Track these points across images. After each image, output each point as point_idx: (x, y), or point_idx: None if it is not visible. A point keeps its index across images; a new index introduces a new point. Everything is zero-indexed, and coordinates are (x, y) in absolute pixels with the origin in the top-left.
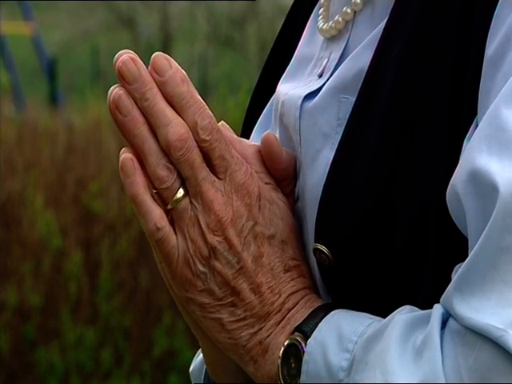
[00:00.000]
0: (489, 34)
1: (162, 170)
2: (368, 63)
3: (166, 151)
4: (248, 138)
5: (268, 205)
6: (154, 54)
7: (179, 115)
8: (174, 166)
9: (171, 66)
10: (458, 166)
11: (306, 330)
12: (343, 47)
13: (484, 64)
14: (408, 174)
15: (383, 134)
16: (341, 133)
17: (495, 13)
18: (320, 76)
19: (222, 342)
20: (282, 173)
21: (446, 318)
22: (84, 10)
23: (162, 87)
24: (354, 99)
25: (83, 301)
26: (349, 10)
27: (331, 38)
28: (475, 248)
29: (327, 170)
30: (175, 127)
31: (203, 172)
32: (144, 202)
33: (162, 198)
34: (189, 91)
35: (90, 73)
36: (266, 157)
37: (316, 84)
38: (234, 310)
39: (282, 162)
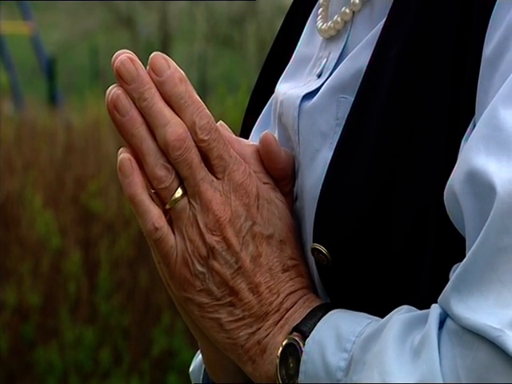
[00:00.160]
0: (486, 34)
1: (160, 169)
2: (366, 63)
3: (165, 151)
4: (247, 137)
5: (266, 204)
6: (152, 54)
7: (177, 115)
8: (173, 165)
9: (169, 66)
10: (456, 166)
11: (304, 329)
12: (342, 47)
13: (482, 64)
14: (406, 174)
15: (381, 133)
16: (339, 133)
17: (493, 13)
18: (319, 76)
19: (221, 341)
20: (281, 172)
21: (444, 318)
22: (83, 10)
23: (160, 87)
24: (353, 99)
25: (82, 300)
26: (347, 11)
27: (330, 38)
28: (473, 248)
29: (326, 170)
30: (173, 127)
31: (201, 172)
32: (142, 201)
33: (161, 197)
34: (187, 91)
35: (89, 72)
36: (265, 156)
37: (315, 84)
38: (233, 310)
39: (280, 161)
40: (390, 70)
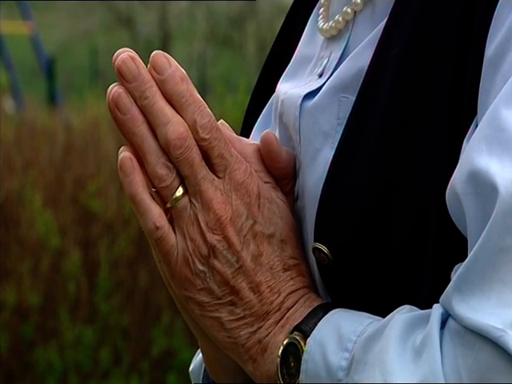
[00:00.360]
0: (489, 34)
1: (161, 168)
2: (368, 63)
3: (166, 150)
4: (247, 137)
5: (267, 204)
6: (153, 53)
7: (178, 114)
8: (174, 164)
9: (170, 65)
10: (458, 166)
11: (305, 329)
12: (343, 47)
13: (484, 64)
14: (408, 173)
15: (383, 133)
16: (341, 132)
17: (495, 13)
18: (320, 76)
19: (221, 340)
20: (282, 172)
21: (446, 317)
22: (83, 10)
23: (161, 86)
24: (354, 99)
25: (82, 300)
26: (349, 10)
27: (331, 38)
28: (475, 248)
29: (327, 170)
30: (174, 126)
31: (202, 171)
32: (143, 200)
33: (161, 196)
34: (188, 90)
35: (89, 72)
36: (266, 156)
37: (316, 83)
38: (233, 309)
39: (281, 161)
40: (392, 70)
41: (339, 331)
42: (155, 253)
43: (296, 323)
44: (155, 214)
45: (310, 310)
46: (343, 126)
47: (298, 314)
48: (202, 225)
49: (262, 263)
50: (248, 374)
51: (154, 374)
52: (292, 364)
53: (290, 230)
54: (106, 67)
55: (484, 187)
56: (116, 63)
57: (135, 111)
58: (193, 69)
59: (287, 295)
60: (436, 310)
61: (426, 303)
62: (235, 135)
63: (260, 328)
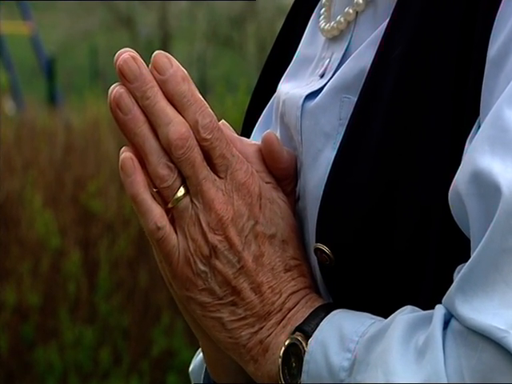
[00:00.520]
0: (491, 34)
1: (162, 168)
2: (370, 63)
3: (167, 150)
4: (248, 137)
5: (269, 204)
6: (154, 53)
7: (180, 114)
8: (175, 164)
9: (172, 65)
10: (461, 166)
11: (306, 329)
12: (345, 47)
13: (486, 64)
14: (410, 174)
15: (385, 133)
16: (342, 133)
17: (498, 13)
18: (321, 76)
19: (223, 341)
20: (283, 172)
21: (448, 318)
22: (83, 10)
23: (162, 86)
24: (356, 99)
25: (82, 300)
26: (351, 11)
27: (333, 39)
28: (478, 249)
29: (328, 170)
30: (176, 126)
31: (204, 171)
32: (144, 201)
33: (163, 196)
34: (190, 90)
35: (89, 72)
36: (267, 156)
37: (317, 84)
38: (235, 310)
39: (282, 161)
40: (394, 70)
41: (341, 332)
42: (156, 253)
43: (297, 324)
44: (156, 214)
45: (312, 310)
46: (345, 127)
47: (299, 315)
48: (204, 225)
49: (264, 264)
50: (249, 375)
51: (154, 374)
52: (293, 364)
53: (292, 231)
54: (106, 67)
55: (487, 188)
56: (117, 63)
57: (137, 111)
58: (193, 69)
59: (288, 296)
60: (438, 311)
61: (428, 304)
62: (236, 135)
63: (261, 328)
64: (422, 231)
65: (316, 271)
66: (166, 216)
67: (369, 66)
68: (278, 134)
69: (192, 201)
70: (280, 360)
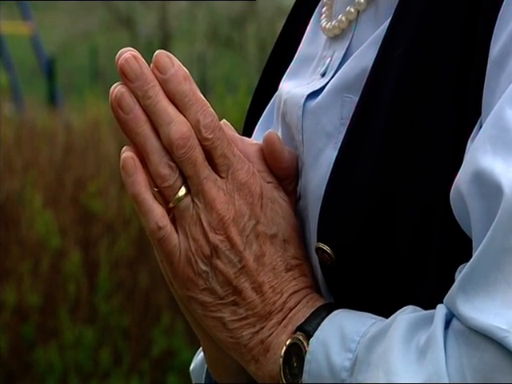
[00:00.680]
0: (493, 34)
1: (164, 168)
2: (371, 62)
3: (168, 149)
4: (249, 136)
5: (270, 204)
6: (156, 52)
7: (181, 113)
8: (176, 164)
9: (173, 64)
10: (462, 166)
11: (308, 329)
12: (346, 46)
13: (488, 64)
14: (412, 173)
15: (387, 133)
16: (344, 132)
17: (500, 13)
18: (323, 75)
19: (224, 341)
20: (284, 172)
21: (450, 318)
22: (83, 10)
23: (164, 85)
24: (358, 99)
25: (82, 301)
26: (352, 10)
27: (334, 37)
28: (479, 248)
29: (330, 170)
30: (177, 125)
31: (205, 170)
32: (145, 200)
33: (164, 196)
34: (191, 89)
35: (89, 72)
36: (268, 155)
37: (319, 83)
38: (236, 309)
39: (284, 160)
40: (396, 69)
41: (342, 331)
42: (157, 253)
43: (299, 323)
44: (158, 213)
45: (313, 310)
46: (346, 126)
47: (300, 314)
48: (205, 225)
49: (265, 263)
50: (250, 375)
51: (154, 375)
52: (295, 364)
53: (293, 230)
54: (106, 67)
55: (489, 187)
56: (119, 62)
57: (138, 111)
58: (193, 69)
59: (290, 295)
60: (440, 311)
61: (429, 303)
62: (238, 135)
63: (262, 328)
64: (423, 231)
65: (317, 271)
66: (167, 216)
67: (370, 65)
68: (279, 134)
69: (193, 200)
70: (281, 360)
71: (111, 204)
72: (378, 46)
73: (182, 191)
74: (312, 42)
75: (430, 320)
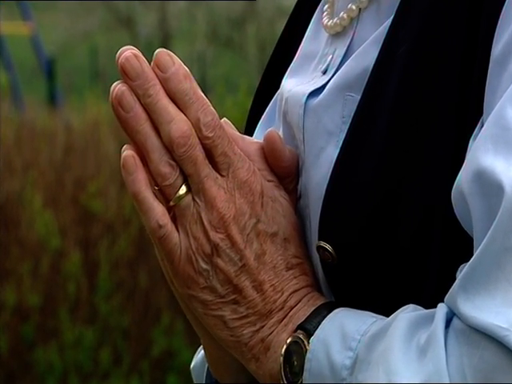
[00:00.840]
0: (495, 33)
1: (164, 166)
2: (373, 61)
3: (169, 148)
4: (251, 134)
5: (271, 202)
6: (156, 51)
7: (182, 112)
8: (177, 162)
9: (174, 63)
10: (464, 165)
11: (308, 328)
12: (348, 44)
13: (490, 63)
14: (414, 172)
15: (389, 131)
16: (345, 131)
17: (502, 12)
18: (324, 73)
19: (224, 339)
20: (285, 170)
21: (450, 317)
22: (83, 10)
23: (164, 84)
24: (359, 97)
25: (82, 301)
26: (354, 7)
27: (336, 35)
28: (480, 247)
29: (331, 168)
30: (178, 124)
31: (206, 169)
32: (146, 199)
33: (165, 194)
34: (192, 88)
35: (89, 73)
36: (269, 154)
37: (320, 81)
38: (237, 308)
39: (284, 159)
40: (398, 68)
41: (343, 330)
42: (158, 251)
43: (299, 322)
44: (158, 212)
45: (314, 308)
46: (348, 125)
47: (301, 313)
48: (206, 223)
49: (265, 262)
50: (251, 373)
51: (154, 375)
52: (295, 363)
53: (293, 229)
54: (106, 68)
55: (490, 186)
56: (119, 61)
57: (138, 109)
58: (193, 69)
59: (290, 294)
60: (441, 309)
61: (430, 302)
62: (238, 133)
63: (263, 327)
64: (425, 229)
65: (318, 269)
66: (167, 214)
67: (372, 63)
68: (280, 132)
69: (194, 199)
70: (282, 358)
71: (111, 204)
72: (380, 45)
73: (183, 190)
74: (314, 39)
75: (430, 319)
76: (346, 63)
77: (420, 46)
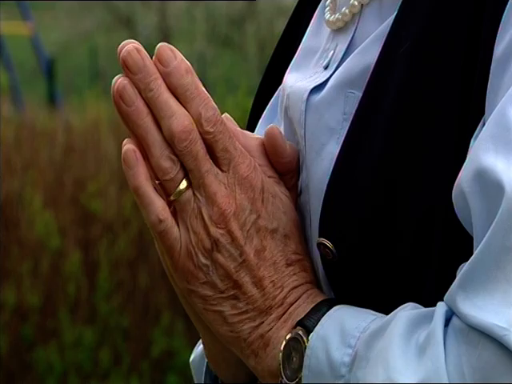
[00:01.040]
0: (498, 33)
1: (165, 161)
2: (375, 58)
3: (170, 142)
4: (253, 130)
5: (271, 198)
6: (158, 45)
7: (183, 106)
8: (178, 157)
9: (176, 57)
10: (465, 164)
11: (308, 324)
12: (349, 39)
13: (492, 63)
14: (414, 170)
15: (390, 129)
16: (346, 128)
17: (504, 12)
18: (326, 68)
19: (224, 335)
20: (285, 166)
21: (450, 315)
22: (82, 10)
23: (166, 78)
24: (361, 94)
25: (82, 301)
26: (356, 3)
27: (338, 30)
28: (480, 246)
29: (332, 165)
30: (179, 118)
31: (207, 164)
32: (146, 193)
33: (165, 189)
34: (193, 82)
35: (89, 73)
36: (270, 150)
37: (322, 76)
38: (236, 303)
39: (285, 155)
40: (400, 66)
41: (342, 327)
42: (158, 246)
43: (299, 318)
44: (159, 206)
45: (313, 305)
46: (349, 122)
47: (300, 310)
48: (206, 218)
49: (265, 258)
50: (250, 369)
51: (154, 375)
52: (294, 359)
53: (294, 225)
54: (106, 67)
55: (490, 186)
56: (121, 54)
57: (140, 103)
58: (193, 69)
59: (290, 290)
60: (440, 308)
61: (430, 301)
62: (239, 129)
63: (262, 323)
64: (425, 227)
65: (318, 266)
66: (168, 208)
67: (374, 61)
68: (282, 128)
69: (194, 194)
70: (281, 354)
71: (111, 204)
72: (382, 42)
73: (183, 184)
74: (315, 34)
75: (429, 317)
76: (347, 60)
77: (422, 45)
